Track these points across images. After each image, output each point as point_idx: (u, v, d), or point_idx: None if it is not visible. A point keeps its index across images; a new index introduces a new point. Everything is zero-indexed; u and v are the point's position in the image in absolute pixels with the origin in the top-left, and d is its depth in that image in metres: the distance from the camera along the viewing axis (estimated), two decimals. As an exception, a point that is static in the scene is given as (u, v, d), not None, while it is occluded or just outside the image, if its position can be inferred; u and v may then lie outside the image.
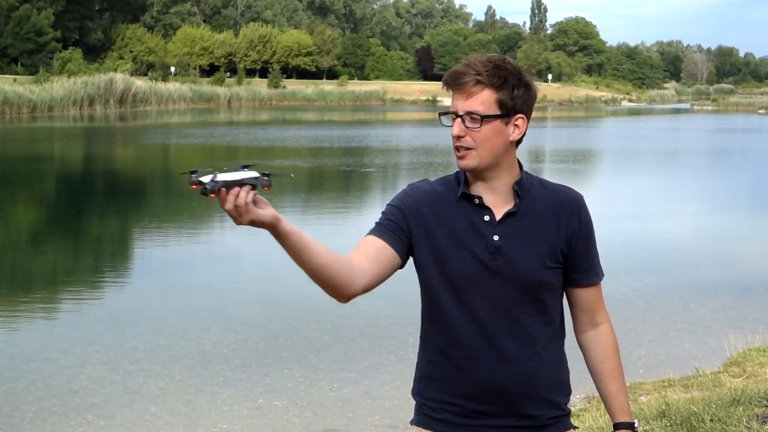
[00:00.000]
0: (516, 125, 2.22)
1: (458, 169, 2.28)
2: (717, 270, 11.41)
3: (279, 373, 7.11)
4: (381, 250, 2.22)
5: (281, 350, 7.69)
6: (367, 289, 2.22)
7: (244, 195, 1.96)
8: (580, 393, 6.03)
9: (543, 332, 2.25)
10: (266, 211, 1.99)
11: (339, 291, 2.18)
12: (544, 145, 33.77)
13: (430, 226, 2.24)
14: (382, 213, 2.29)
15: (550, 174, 22.56)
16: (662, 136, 42.41)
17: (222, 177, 1.97)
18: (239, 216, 1.98)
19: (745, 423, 4.80)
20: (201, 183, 1.96)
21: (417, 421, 2.34)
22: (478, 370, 2.22)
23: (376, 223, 2.28)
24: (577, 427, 2.50)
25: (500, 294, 2.20)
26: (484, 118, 2.18)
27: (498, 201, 2.23)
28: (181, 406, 6.38)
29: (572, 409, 5.72)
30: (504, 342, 2.21)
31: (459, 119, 2.20)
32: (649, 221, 15.89)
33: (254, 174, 2.00)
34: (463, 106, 2.20)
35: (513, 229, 2.21)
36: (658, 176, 24.76)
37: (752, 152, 34.72)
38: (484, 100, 2.18)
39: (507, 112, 2.19)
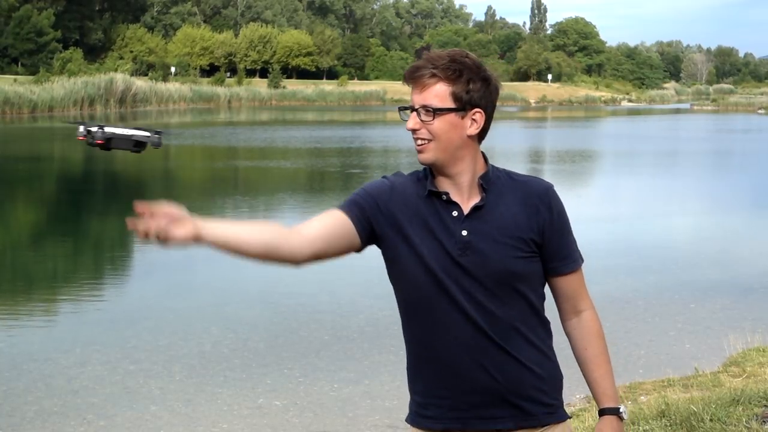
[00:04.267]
0: (473, 119, 2.21)
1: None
2: (717, 270, 11.41)
3: (279, 373, 7.11)
4: (340, 222, 2.21)
5: (281, 350, 7.69)
6: (317, 256, 2.19)
7: (158, 224, 2.00)
8: (580, 393, 6.03)
9: (524, 322, 2.24)
10: (185, 231, 2.02)
11: (286, 263, 2.17)
12: (544, 146, 33.77)
13: (403, 219, 2.23)
14: (354, 193, 2.28)
15: (550, 174, 22.56)
16: (662, 137, 42.40)
17: (111, 129, 1.96)
18: (161, 242, 2.01)
19: (744, 423, 4.80)
20: (89, 132, 1.95)
21: (410, 420, 2.36)
22: (462, 363, 2.22)
23: (345, 200, 2.27)
24: (571, 417, 2.50)
25: (475, 288, 2.19)
26: (437, 111, 2.18)
27: (465, 196, 2.23)
28: (181, 406, 6.38)
29: (572, 408, 5.73)
30: (485, 336, 2.20)
31: (414, 113, 2.21)
32: (650, 221, 15.88)
33: (145, 132, 1.98)
34: (418, 99, 2.21)
35: (481, 223, 2.21)
36: (657, 176, 24.76)
37: (752, 152, 34.71)
38: (438, 93, 2.18)
39: (462, 105, 2.19)
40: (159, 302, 9.45)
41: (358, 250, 2.26)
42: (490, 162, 2.30)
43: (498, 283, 2.20)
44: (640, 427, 4.86)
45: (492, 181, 2.24)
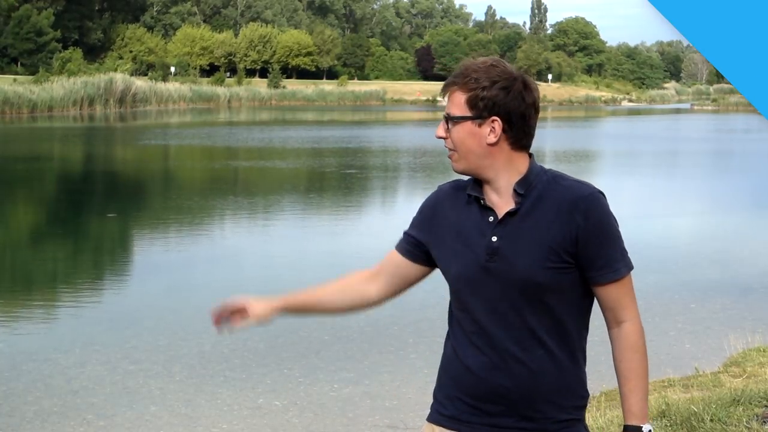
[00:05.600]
0: (492, 127, 2.19)
1: None
2: (717, 270, 11.41)
3: (279, 373, 7.11)
4: (400, 265, 2.40)
5: (281, 350, 7.69)
6: (385, 296, 2.45)
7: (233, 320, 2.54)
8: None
9: (549, 333, 2.21)
10: (259, 312, 2.60)
11: (361, 309, 2.48)
12: (544, 146, 33.76)
13: (442, 232, 2.29)
14: (411, 222, 2.41)
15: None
16: (662, 137, 42.39)
17: None
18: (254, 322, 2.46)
19: (745, 423, 4.80)
20: None
21: (429, 417, 2.36)
22: (481, 369, 2.22)
23: (402, 236, 2.42)
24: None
25: (500, 295, 2.19)
26: (453, 119, 2.22)
27: (502, 201, 2.22)
28: (181, 406, 6.38)
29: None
30: (504, 344, 2.20)
31: (443, 122, 2.26)
32: (649, 221, 15.88)
33: None
34: (446, 108, 2.26)
35: (513, 230, 2.19)
36: (657, 176, 24.76)
37: (752, 153, 34.70)
38: (456, 101, 2.22)
39: (479, 113, 2.18)
40: (159, 302, 9.45)
41: (430, 272, 2.41)
42: (540, 163, 2.26)
43: (523, 292, 2.18)
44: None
45: (532, 185, 2.20)
